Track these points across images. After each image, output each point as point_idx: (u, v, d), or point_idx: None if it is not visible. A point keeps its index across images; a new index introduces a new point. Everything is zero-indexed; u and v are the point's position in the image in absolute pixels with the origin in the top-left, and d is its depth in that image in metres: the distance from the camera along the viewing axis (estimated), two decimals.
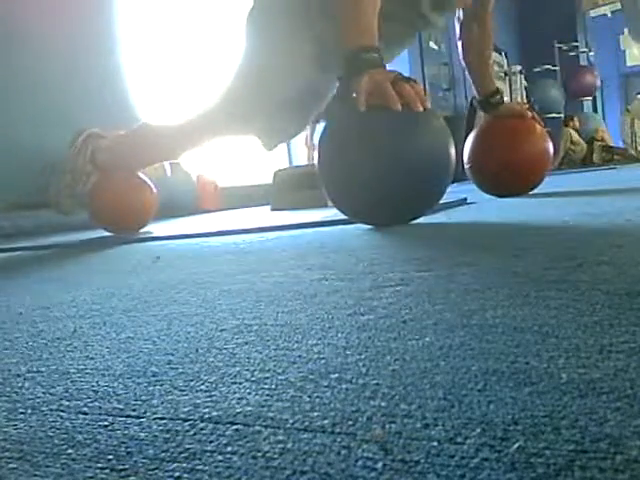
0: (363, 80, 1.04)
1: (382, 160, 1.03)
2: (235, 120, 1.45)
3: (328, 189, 1.17)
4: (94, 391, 0.33)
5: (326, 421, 0.26)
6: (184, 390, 0.31)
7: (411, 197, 1.09)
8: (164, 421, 0.28)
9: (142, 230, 1.74)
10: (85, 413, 0.30)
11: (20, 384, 0.36)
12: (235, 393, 0.30)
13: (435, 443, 0.22)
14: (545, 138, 1.70)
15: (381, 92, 1.02)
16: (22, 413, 0.31)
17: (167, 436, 0.26)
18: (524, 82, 6.34)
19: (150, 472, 0.23)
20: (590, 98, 7.64)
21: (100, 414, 0.29)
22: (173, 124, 1.55)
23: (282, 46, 1.38)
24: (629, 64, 9.84)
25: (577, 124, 6.05)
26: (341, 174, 1.09)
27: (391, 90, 1.01)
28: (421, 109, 1.02)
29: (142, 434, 0.26)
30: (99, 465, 0.24)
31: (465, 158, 1.69)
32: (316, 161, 1.15)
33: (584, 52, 7.64)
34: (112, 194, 1.65)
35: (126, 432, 0.27)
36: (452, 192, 1.16)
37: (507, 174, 1.64)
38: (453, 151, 1.10)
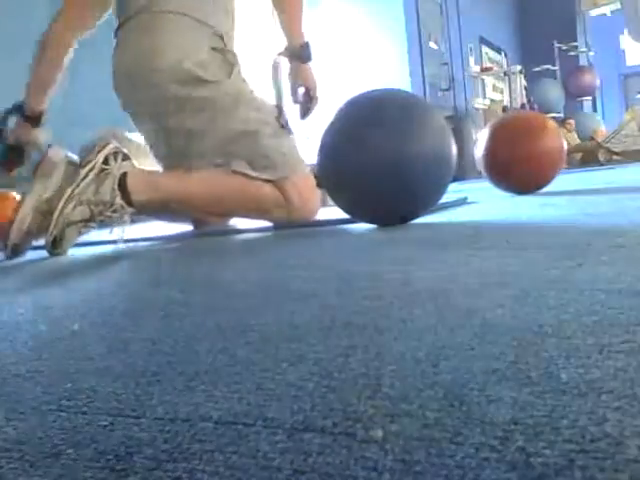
0: (310, 72, 1.35)
1: (382, 159, 1.03)
2: None
3: (328, 188, 1.17)
4: (94, 391, 0.33)
5: (326, 421, 0.26)
6: (184, 390, 0.31)
7: (411, 196, 1.09)
8: (164, 421, 0.28)
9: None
10: (85, 413, 0.30)
11: (20, 384, 0.35)
12: (235, 393, 0.30)
13: (435, 443, 0.22)
14: (560, 135, 1.73)
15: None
16: (22, 413, 0.31)
17: (167, 436, 0.26)
18: (524, 82, 6.34)
19: (150, 472, 0.23)
20: (590, 98, 7.64)
21: (100, 414, 0.29)
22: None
23: None
24: (629, 64, 9.83)
25: (572, 125, 6.09)
26: (341, 173, 1.09)
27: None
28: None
29: (142, 434, 0.26)
30: (99, 465, 0.24)
31: (479, 150, 1.69)
32: (316, 160, 1.15)
33: (584, 52, 7.64)
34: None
35: (126, 432, 0.27)
36: (452, 191, 1.16)
37: (521, 169, 1.64)
38: (454, 150, 1.10)
